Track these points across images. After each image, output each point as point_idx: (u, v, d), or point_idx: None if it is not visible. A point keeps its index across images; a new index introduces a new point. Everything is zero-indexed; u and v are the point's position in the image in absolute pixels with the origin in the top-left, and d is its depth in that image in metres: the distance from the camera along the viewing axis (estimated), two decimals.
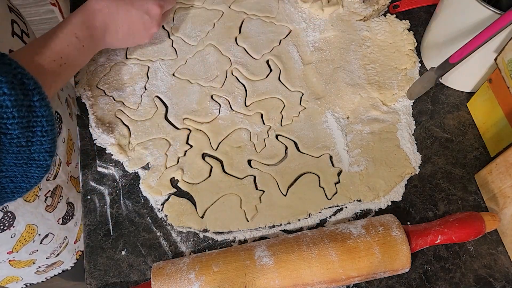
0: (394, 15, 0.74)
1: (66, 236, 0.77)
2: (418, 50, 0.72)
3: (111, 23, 0.60)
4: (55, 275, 0.85)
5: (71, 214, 0.76)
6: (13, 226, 0.63)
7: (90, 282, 0.56)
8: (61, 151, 0.70)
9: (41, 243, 0.71)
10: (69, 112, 0.77)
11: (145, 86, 0.68)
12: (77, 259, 0.85)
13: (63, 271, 0.86)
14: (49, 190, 0.68)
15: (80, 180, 0.62)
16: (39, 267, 0.78)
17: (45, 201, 0.68)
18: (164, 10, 0.65)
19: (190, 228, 0.59)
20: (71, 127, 0.76)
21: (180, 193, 0.61)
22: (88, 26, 0.58)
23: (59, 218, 0.73)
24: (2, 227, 0.61)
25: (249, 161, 0.63)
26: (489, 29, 0.54)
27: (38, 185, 0.64)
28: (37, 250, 0.71)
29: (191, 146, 0.64)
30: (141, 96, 0.67)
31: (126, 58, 0.70)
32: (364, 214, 0.60)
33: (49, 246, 0.74)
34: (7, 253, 0.66)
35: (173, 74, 0.69)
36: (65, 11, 1.54)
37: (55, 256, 0.77)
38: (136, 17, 0.62)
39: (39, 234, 0.69)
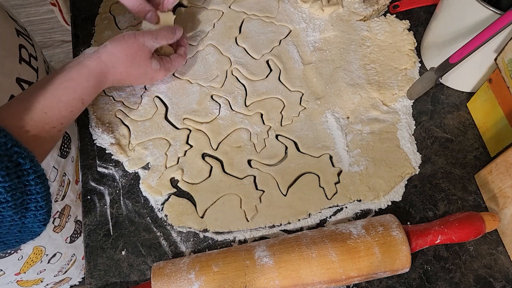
0: (394, 15, 0.74)
1: (74, 254, 0.76)
2: (418, 50, 0.72)
3: (121, 80, 0.59)
4: None
5: (79, 232, 0.75)
6: (20, 249, 0.63)
7: (90, 282, 0.56)
8: (70, 170, 0.69)
9: (48, 262, 0.70)
10: (78, 128, 0.76)
11: (145, 86, 0.68)
12: (85, 273, 0.84)
13: (71, 286, 0.85)
14: (57, 211, 0.68)
15: (80, 180, 0.62)
16: (47, 284, 0.77)
17: (53, 222, 0.67)
18: (175, 69, 0.64)
19: (190, 228, 0.59)
20: None
21: (180, 193, 0.61)
22: (97, 90, 0.56)
23: (67, 237, 0.72)
24: (9, 251, 0.61)
25: (249, 161, 0.63)
26: (489, 29, 0.54)
27: None
28: (45, 270, 0.70)
29: (191, 146, 0.64)
30: (141, 96, 0.67)
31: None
32: (364, 214, 0.60)
33: (56, 265, 0.73)
34: (15, 274, 0.66)
35: (173, 74, 0.69)
36: (65, 11, 1.54)
37: (63, 274, 0.76)
38: (142, 80, 0.62)
39: (47, 255, 0.69)
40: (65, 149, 0.68)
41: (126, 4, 0.61)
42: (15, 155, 0.42)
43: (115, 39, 0.57)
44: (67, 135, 0.69)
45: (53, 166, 0.64)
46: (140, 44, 0.58)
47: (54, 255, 0.70)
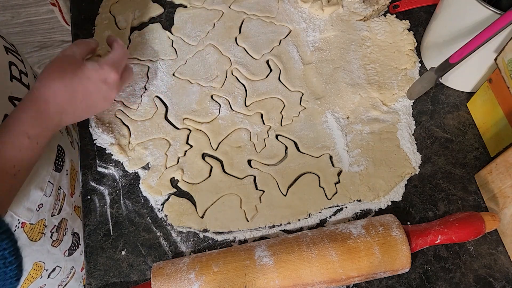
0: (394, 15, 0.74)
1: (72, 266, 0.75)
2: (418, 50, 0.72)
3: (68, 106, 0.53)
4: None
5: (76, 244, 0.75)
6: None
7: (90, 282, 0.56)
8: (65, 183, 0.69)
9: (48, 277, 0.69)
10: (70, 140, 0.76)
11: (145, 86, 0.68)
12: (84, 285, 0.83)
13: None
14: (55, 225, 0.68)
15: (80, 180, 0.62)
16: None
17: (51, 237, 0.67)
18: (121, 72, 0.59)
19: (190, 228, 0.59)
20: (73, 156, 0.74)
21: (180, 193, 0.61)
22: (41, 120, 0.51)
23: (65, 250, 0.72)
24: None
25: (249, 161, 0.63)
26: (489, 29, 0.54)
27: (43, 222, 0.63)
28: (45, 285, 0.70)
29: (191, 146, 0.64)
30: (141, 96, 0.67)
31: None
32: (364, 214, 0.60)
33: (56, 279, 0.72)
34: None
35: (173, 74, 0.69)
36: (65, 11, 1.54)
37: (63, 287, 0.76)
38: (94, 90, 0.55)
39: (46, 270, 0.68)
40: (59, 163, 0.68)
41: None
42: None
43: (44, 68, 0.54)
44: (61, 149, 0.69)
45: (49, 181, 0.64)
46: (63, 56, 0.55)
47: (54, 269, 0.70)
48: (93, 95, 0.56)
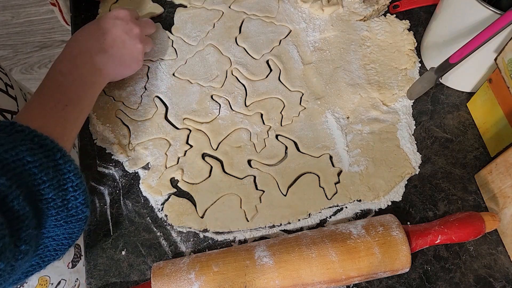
0: (394, 15, 0.74)
1: (77, 278, 0.75)
2: (418, 50, 0.72)
3: (91, 42, 0.58)
4: None
5: (78, 255, 0.75)
6: (26, 282, 0.62)
7: (90, 282, 0.56)
8: None
9: None
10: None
11: (145, 86, 0.68)
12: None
13: None
14: None
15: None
16: None
17: None
18: (132, 16, 0.64)
19: (190, 228, 0.59)
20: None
21: (180, 193, 0.61)
22: (69, 58, 0.56)
23: (69, 263, 0.72)
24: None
25: (249, 161, 0.63)
26: (489, 29, 0.54)
27: None
28: None
29: (191, 146, 0.64)
30: (141, 96, 0.67)
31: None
32: (364, 214, 0.60)
33: None
34: None
35: (173, 74, 0.69)
36: (65, 11, 1.54)
37: None
38: (109, 26, 0.60)
39: (52, 283, 0.68)
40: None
41: None
42: (35, 138, 0.43)
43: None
44: None
45: None
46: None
47: (59, 282, 0.70)
48: (111, 30, 0.60)
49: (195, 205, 0.60)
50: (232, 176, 0.62)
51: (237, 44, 0.71)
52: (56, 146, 0.44)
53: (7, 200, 0.39)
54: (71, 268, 0.73)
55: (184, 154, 0.63)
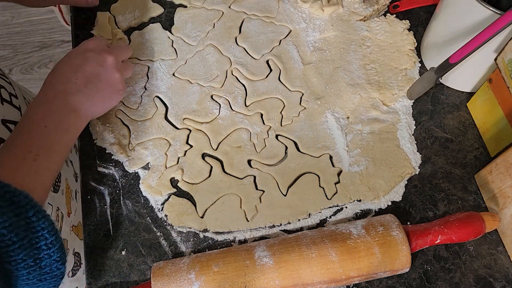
0: (394, 15, 0.74)
1: (77, 287, 0.75)
2: (418, 50, 0.72)
3: (64, 84, 0.55)
4: None
5: (78, 264, 0.74)
6: None
7: (90, 282, 0.56)
8: (62, 203, 0.68)
9: None
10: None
11: (145, 86, 0.68)
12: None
13: None
14: None
15: (80, 180, 0.62)
16: None
17: None
18: (104, 43, 0.61)
19: (190, 228, 0.59)
20: (68, 174, 0.74)
21: (180, 193, 0.61)
22: (43, 104, 0.53)
23: (69, 272, 0.72)
24: None
25: (249, 161, 0.63)
26: (489, 29, 0.54)
27: None
28: None
29: (191, 146, 0.64)
30: (141, 96, 0.67)
31: None
32: (364, 214, 0.60)
33: None
34: None
35: (173, 74, 0.69)
36: (65, 11, 1.54)
37: None
38: (81, 62, 0.57)
39: None
40: (56, 183, 0.67)
41: (72, 3, 0.62)
42: (6, 194, 0.41)
43: None
44: None
45: (48, 203, 0.63)
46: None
47: None
48: (84, 66, 0.56)
49: (195, 205, 0.60)
50: (232, 176, 0.62)
51: (237, 44, 0.71)
52: (29, 202, 0.42)
53: None
54: (71, 277, 0.73)
55: (184, 154, 0.63)
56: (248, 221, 0.59)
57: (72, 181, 0.75)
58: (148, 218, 0.60)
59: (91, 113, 0.57)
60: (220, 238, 0.58)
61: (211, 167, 0.62)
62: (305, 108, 0.66)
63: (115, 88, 0.59)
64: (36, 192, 0.47)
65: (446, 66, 0.59)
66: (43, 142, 0.51)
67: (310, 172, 0.62)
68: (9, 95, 0.61)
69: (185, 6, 0.75)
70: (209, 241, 0.58)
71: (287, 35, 0.72)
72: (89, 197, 0.61)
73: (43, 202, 0.49)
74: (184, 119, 0.66)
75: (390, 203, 0.60)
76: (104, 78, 0.57)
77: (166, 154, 0.63)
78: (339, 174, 0.62)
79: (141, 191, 0.61)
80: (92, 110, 0.57)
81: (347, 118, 0.66)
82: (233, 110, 0.66)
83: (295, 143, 0.64)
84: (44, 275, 0.44)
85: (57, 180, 0.68)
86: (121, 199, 0.61)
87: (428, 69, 0.65)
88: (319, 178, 0.61)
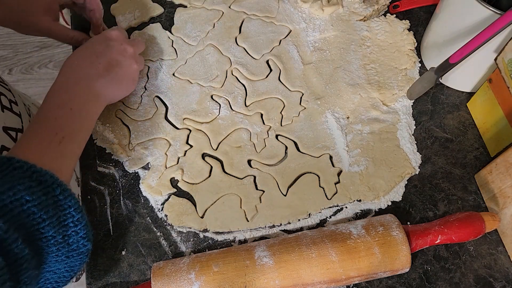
0: (394, 15, 0.74)
1: None
2: (418, 50, 0.72)
3: (87, 69, 0.56)
4: None
5: (83, 269, 0.75)
6: None
7: (90, 282, 0.56)
8: None
9: None
10: None
11: (145, 86, 0.68)
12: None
13: None
14: None
15: (80, 179, 0.62)
16: None
17: None
18: (125, 36, 0.63)
19: (190, 228, 0.59)
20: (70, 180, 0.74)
21: (180, 193, 0.61)
22: (66, 88, 0.54)
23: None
24: None
25: (249, 161, 0.63)
26: (489, 29, 0.54)
27: None
28: None
29: (191, 146, 0.64)
30: (141, 96, 0.67)
31: None
32: (364, 214, 0.60)
33: None
34: None
35: (173, 74, 0.69)
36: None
37: None
38: (103, 48, 0.59)
39: None
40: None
41: (59, 40, 0.64)
42: (34, 175, 0.42)
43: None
44: None
45: None
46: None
47: None
48: (105, 52, 0.59)
49: (195, 205, 0.60)
50: (232, 176, 0.62)
51: (237, 44, 0.71)
52: (55, 181, 0.43)
53: (5, 244, 0.38)
54: (75, 281, 0.73)
55: (184, 154, 0.63)
56: (248, 221, 0.59)
57: (74, 185, 0.75)
58: (148, 218, 0.60)
59: (110, 98, 0.59)
60: (220, 238, 0.58)
61: (211, 167, 0.62)
62: (305, 108, 0.66)
63: (132, 78, 0.62)
64: (62, 175, 0.48)
65: (446, 66, 0.59)
66: (69, 125, 0.52)
67: (310, 172, 0.62)
68: (9, 102, 0.61)
69: (185, 6, 0.75)
70: (209, 241, 0.58)
71: (287, 35, 0.72)
72: (89, 197, 0.61)
73: (68, 183, 0.50)
74: (184, 119, 0.66)
75: (390, 203, 0.60)
76: (124, 66, 0.60)
77: (166, 154, 0.63)
78: (339, 174, 0.62)
79: (141, 191, 0.61)
80: (111, 96, 0.59)
81: (347, 118, 0.66)
82: (233, 110, 0.66)
83: (295, 143, 0.64)
84: (72, 252, 0.45)
85: None
86: (121, 199, 0.61)
87: (428, 69, 0.65)
88: (319, 178, 0.61)
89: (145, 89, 0.68)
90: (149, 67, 0.69)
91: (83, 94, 0.55)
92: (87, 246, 0.46)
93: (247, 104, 0.67)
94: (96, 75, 0.57)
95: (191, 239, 0.58)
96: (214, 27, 0.73)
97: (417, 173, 0.62)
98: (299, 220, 0.59)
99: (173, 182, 0.62)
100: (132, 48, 0.62)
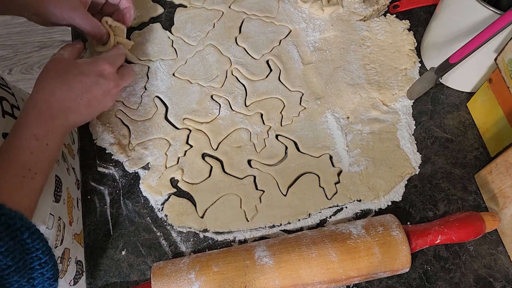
0: (394, 15, 0.74)
1: None
2: (418, 50, 0.72)
3: (69, 102, 0.53)
4: None
5: (81, 272, 0.74)
6: None
7: (90, 282, 0.56)
8: (63, 213, 0.68)
9: None
10: (66, 167, 0.74)
11: (145, 86, 0.68)
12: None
13: None
14: (58, 257, 0.67)
15: (80, 180, 0.62)
16: None
17: None
18: (117, 67, 0.60)
19: (190, 228, 0.59)
20: (69, 184, 0.73)
21: (180, 193, 0.61)
22: (45, 120, 0.51)
23: (70, 280, 0.71)
24: None
25: (249, 161, 0.63)
26: (489, 29, 0.54)
27: None
28: None
29: (191, 146, 0.64)
30: (141, 96, 0.67)
31: (126, 58, 0.70)
32: (364, 214, 0.60)
33: None
34: None
35: (173, 74, 0.69)
36: None
37: None
38: (92, 84, 0.55)
39: None
40: (58, 193, 0.67)
41: (81, 28, 0.60)
42: (2, 217, 0.40)
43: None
44: (58, 179, 0.68)
45: (50, 213, 0.63)
46: (52, 60, 0.56)
47: None
48: (92, 89, 0.56)
49: (195, 205, 0.60)
50: (232, 176, 0.62)
51: (237, 44, 0.71)
52: (24, 224, 0.41)
53: None
54: (73, 285, 0.72)
55: (184, 154, 0.63)
56: (248, 221, 0.59)
57: (74, 189, 0.75)
58: (148, 218, 0.60)
59: (78, 125, 0.58)
60: (220, 238, 0.58)
61: (211, 167, 0.62)
62: (305, 108, 0.66)
63: (107, 96, 0.59)
64: (31, 210, 0.47)
65: (446, 66, 0.59)
66: (42, 161, 0.50)
67: (310, 172, 0.62)
68: (11, 107, 0.60)
69: (185, 6, 0.75)
70: (209, 241, 0.58)
71: (287, 35, 0.72)
72: (89, 197, 0.61)
73: (30, 216, 0.48)
74: (184, 119, 0.66)
75: (390, 203, 0.60)
76: (103, 103, 0.58)
77: (166, 154, 0.63)
78: (339, 174, 0.62)
79: (141, 191, 0.61)
80: (80, 124, 0.58)
81: (347, 118, 0.66)
82: (233, 110, 0.66)
83: (295, 143, 0.64)
84: None
85: (58, 189, 0.68)
86: (121, 199, 0.61)
87: (428, 69, 0.65)
88: (319, 178, 0.61)
89: (145, 89, 0.68)
90: (149, 67, 0.69)
91: (60, 128, 0.53)
92: (54, 285, 0.45)
93: (247, 104, 0.67)
94: (75, 109, 0.54)
95: (191, 239, 0.58)
96: (214, 27, 0.73)
97: (417, 173, 0.62)
98: (299, 220, 0.59)
99: (173, 182, 0.62)
100: (117, 88, 0.60)
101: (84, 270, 0.66)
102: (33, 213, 0.48)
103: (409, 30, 0.72)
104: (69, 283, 0.71)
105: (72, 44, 0.61)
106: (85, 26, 0.60)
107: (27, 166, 0.48)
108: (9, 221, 0.40)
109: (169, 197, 0.61)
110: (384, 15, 0.74)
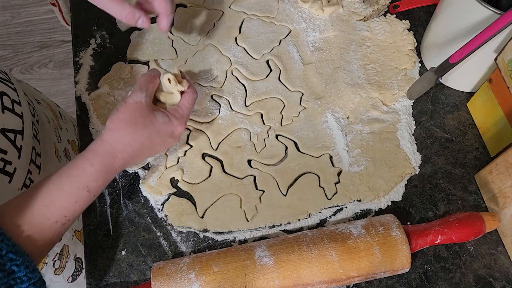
0: (394, 15, 0.74)
1: None
2: (418, 50, 0.72)
3: (133, 158, 0.53)
4: None
5: (80, 269, 0.74)
6: None
7: (90, 282, 0.56)
8: None
9: None
10: (78, 128, 0.74)
11: None
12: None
13: None
14: (57, 253, 0.66)
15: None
16: None
17: (53, 265, 0.66)
18: (186, 122, 0.58)
19: (190, 228, 0.59)
20: None
21: (180, 193, 0.61)
22: (104, 176, 0.50)
23: (69, 277, 0.71)
24: None
25: (249, 161, 0.63)
26: (489, 29, 0.54)
27: None
28: None
29: (191, 146, 0.64)
30: None
31: (127, 58, 0.70)
32: (364, 214, 0.60)
33: None
34: None
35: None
36: (65, 11, 1.54)
37: None
38: (159, 143, 0.55)
39: None
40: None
41: (112, 13, 0.56)
42: (8, 262, 0.39)
43: (111, 115, 0.53)
44: None
45: None
46: (133, 104, 0.53)
47: None
48: (157, 146, 0.55)
49: (195, 205, 0.60)
50: (232, 176, 0.62)
51: (237, 44, 0.71)
52: (28, 274, 0.40)
53: None
54: (71, 282, 0.72)
55: (184, 154, 0.63)
56: (248, 221, 0.59)
57: None
58: (148, 218, 0.60)
59: None
60: (220, 238, 0.58)
61: (211, 167, 0.62)
62: (305, 108, 0.66)
63: (165, 149, 0.60)
64: (41, 256, 0.46)
65: (446, 66, 0.59)
66: (82, 208, 0.49)
67: (310, 172, 0.62)
68: (11, 103, 0.59)
69: (185, 6, 0.75)
70: (209, 241, 0.58)
71: (287, 35, 0.72)
72: None
73: (39, 261, 0.47)
74: None
75: (390, 203, 0.60)
76: (163, 147, 0.57)
77: (166, 154, 0.63)
78: (339, 174, 0.62)
79: (141, 191, 0.61)
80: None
81: (347, 118, 0.66)
82: (233, 110, 0.66)
83: (295, 143, 0.64)
84: None
85: None
86: (121, 199, 0.61)
87: (428, 69, 0.65)
88: (319, 178, 0.61)
89: None
90: (149, 67, 0.69)
91: (108, 177, 0.51)
92: None
93: (247, 104, 0.67)
94: (133, 163, 0.55)
95: (191, 239, 0.58)
96: (214, 27, 0.73)
97: (417, 173, 0.62)
98: (299, 220, 0.59)
99: (173, 182, 0.62)
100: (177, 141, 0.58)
101: (84, 267, 0.66)
102: (43, 257, 0.47)
103: (409, 30, 0.72)
104: (67, 280, 0.71)
105: (150, 81, 0.56)
106: (114, 12, 0.55)
107: (65, 212, 0.47)
108: (14, 268, 0.39)
109: (169, 197, 0.61)
110: (384, 15, 0.74)
